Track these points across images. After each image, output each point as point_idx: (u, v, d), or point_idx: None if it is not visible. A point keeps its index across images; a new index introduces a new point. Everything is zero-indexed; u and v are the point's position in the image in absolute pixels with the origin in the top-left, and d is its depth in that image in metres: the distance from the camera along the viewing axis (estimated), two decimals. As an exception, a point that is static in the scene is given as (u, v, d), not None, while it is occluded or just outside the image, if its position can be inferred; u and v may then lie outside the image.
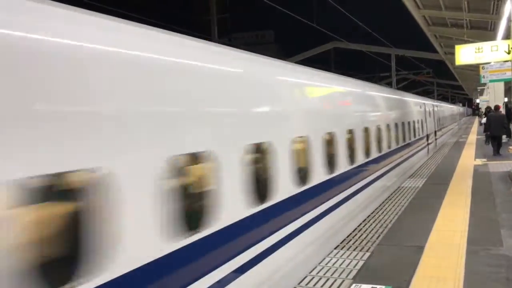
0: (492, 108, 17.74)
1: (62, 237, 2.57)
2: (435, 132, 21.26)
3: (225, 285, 3.92)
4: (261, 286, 4.57)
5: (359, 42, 32.59)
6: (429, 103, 20.48)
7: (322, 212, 6.52)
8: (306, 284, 4.86)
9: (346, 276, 5.01)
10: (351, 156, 7.90)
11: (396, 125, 12.06)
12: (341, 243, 6.33)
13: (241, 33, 65.84)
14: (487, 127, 16.37)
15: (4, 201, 2.24)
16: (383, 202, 8.84)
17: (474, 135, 28.04)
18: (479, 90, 43.02)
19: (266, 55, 6.01)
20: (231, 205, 4.14)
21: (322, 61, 35.21)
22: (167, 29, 4.07)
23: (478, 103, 45.85)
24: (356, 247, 6.05)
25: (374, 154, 9.55)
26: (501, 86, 22.02)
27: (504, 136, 17.39)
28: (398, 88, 31.67)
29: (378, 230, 6.87)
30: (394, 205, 8.53)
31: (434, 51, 27.91)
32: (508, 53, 14.98)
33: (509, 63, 16.02)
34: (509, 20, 13.25)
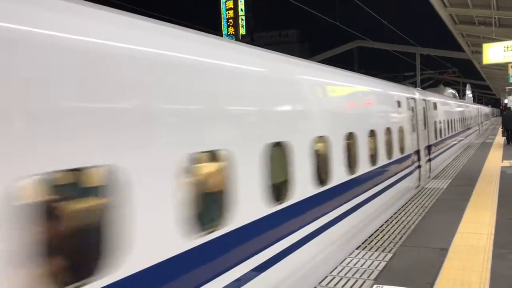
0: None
1: None
2: (482, 122, 39.44)
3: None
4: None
5: (383, 41, 32.15)
6: (480, 107, 40.81)
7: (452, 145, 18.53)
8: (327, 284, 4.83)
9: (368, 277, 4.95)
10: (467, 124, 25.05)
11: (470, 117, 27.55)
12: (362, 243, 6.26)
13: (264, 32, 65.86)
14: (503, 123, 22.52)
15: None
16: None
17: (501, 136, 27.32)
18: (507, 90, 41.86)
19: (289, 54, 5.98)
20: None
21: (346, 60, 34.91)
22: (181, 25, 4.06)
23: (506, 104, 44.66)
24: (378, 248, 5.97)
25: (473, 125, 28.20)
26: (531, 86, 21.40)
27: None
28: (423, 88, 31.32)
29: (400, 231, 6.77)
30: (417, 206, 8.39)
31: (461, 50, 27.30)
32: (539, 51, 14.53)
33: (539, 62, 15.54)
34: (540, 17, 12.84)
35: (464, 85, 65.15)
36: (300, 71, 5.46)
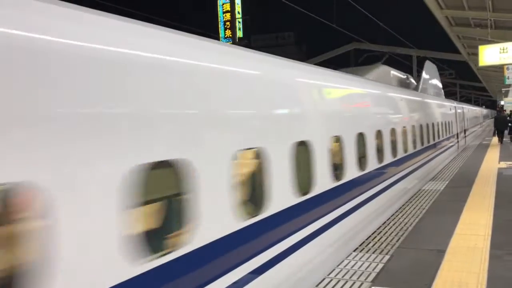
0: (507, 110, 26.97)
1: None
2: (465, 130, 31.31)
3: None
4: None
5: (380, 43, 32.22)
6: (460, 106, 35.57)
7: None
8: (325, 286, 4.82)
9: (365, 279, 4.95)
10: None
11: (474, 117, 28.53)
12: (360, 245, 6.26)
13: (261, 34, 65.91)
14: (495, 124, 25.03)
15: None
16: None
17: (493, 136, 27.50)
18: (503, 91, 42.05)
19: (286, 56, 5.99)
20: None
21: (342, 62, 34.93)
22: (179, 29, 4.00)
23: (502, 105, 44.88)
24: (376, 250, 5.97)
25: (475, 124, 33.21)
26: (526, 88, 21.53)
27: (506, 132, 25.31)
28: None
29: (398, 233, 6.77)
30: (414, 208, 8.39)
31: (457, 52, 27.41)
32: (534, 53, 14.61)
33: (535, 64, 15.62)
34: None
35: (462, 87, 64.52)
36: None
